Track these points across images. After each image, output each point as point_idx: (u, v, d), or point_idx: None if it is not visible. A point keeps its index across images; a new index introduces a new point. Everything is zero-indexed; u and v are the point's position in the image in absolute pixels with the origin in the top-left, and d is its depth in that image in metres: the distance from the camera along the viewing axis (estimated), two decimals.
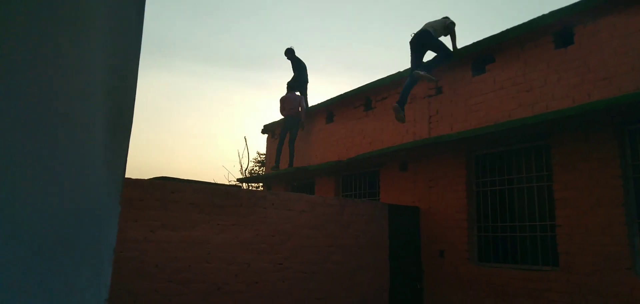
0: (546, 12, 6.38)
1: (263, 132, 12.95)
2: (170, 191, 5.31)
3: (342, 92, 9.97)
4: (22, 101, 0.86)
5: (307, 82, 10.44)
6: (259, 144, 32.98)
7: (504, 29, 6.90)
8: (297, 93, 9.71)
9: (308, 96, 10.34)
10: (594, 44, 5.90)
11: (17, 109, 0.84)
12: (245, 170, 17.84)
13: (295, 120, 9.20)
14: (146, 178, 5.34)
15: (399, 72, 8.57)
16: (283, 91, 10.56)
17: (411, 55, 7.75)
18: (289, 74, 10.82)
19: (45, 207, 0.86)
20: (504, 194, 6.87)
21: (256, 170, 18.86)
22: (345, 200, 7.14)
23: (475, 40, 7.31)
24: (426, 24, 7.68)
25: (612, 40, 5.74)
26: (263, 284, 5.76)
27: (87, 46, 0.99)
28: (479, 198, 7.19)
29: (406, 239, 7.53)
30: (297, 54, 10.42)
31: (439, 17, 7.87)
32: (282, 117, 10.02)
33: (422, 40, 7.54)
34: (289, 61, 10.48)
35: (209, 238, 5.44)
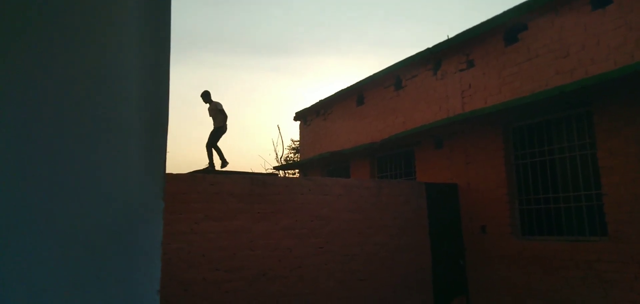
0: None
1: (295, 119, 13.06)
2: (210, 183, 5.48)
3: (371, 73, 9.93)
4: (66, 109, 0.93)
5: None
6: (293, 131, 33.20)
7: None
8: (216, 101, 8.24)
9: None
10: (635, 1, 5.62)
11: (63, 117, 0.91)
12: (281, 158, 18.08)
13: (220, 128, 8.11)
14: (185, 172, 5.53)
15: (428, 49, 8.44)
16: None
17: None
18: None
19: (95, 209, 0.93)
20: (545, 165, 6.70)
21: (291, 157, 19.05)
22: (381, 181, 7.15)
23: (505, 9, 7.10)
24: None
25: None
26: (306, 268, 5.88)
27: (123, 50, 1.05)
28: (519, 171, 7.04)
29: (446, 216, 7.48)
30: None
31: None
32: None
33: None
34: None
35: (250, 226, 5.59)
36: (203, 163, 8.13)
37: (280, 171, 14.55)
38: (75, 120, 0.92)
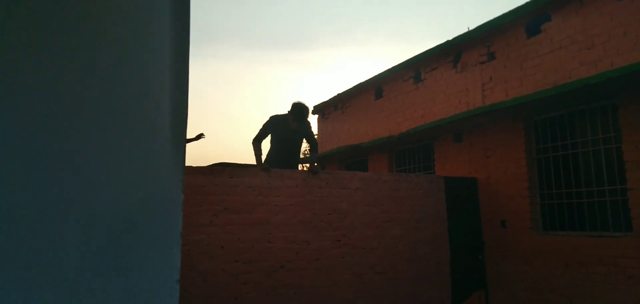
0: None
1: (314, 113, 13.06)
2: (229, 176, 5.54)
3: (389, 66, 9.86)
4: (90, 106, 0.96)
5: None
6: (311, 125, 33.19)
7: None
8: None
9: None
10: None
11: (87, 113, 0.94)
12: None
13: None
14: (205, 165, 5.60)
15: (448, 41, 8.32)
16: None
17: None
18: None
19: (117, 201, 0.96)
20: (567, 159, 6.56)
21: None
22: (399, 175, 7.11)
23: (528, 0, 6.94)
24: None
25: None
26: (323, 261, 5.91)
27: (143, 50, 1.09)
28: (541, 165, 6.91)
29: (465, 211, 7.40)
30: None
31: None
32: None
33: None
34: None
35: (268, 219, 5.64)
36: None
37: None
38: (98, 116, 0.95)
